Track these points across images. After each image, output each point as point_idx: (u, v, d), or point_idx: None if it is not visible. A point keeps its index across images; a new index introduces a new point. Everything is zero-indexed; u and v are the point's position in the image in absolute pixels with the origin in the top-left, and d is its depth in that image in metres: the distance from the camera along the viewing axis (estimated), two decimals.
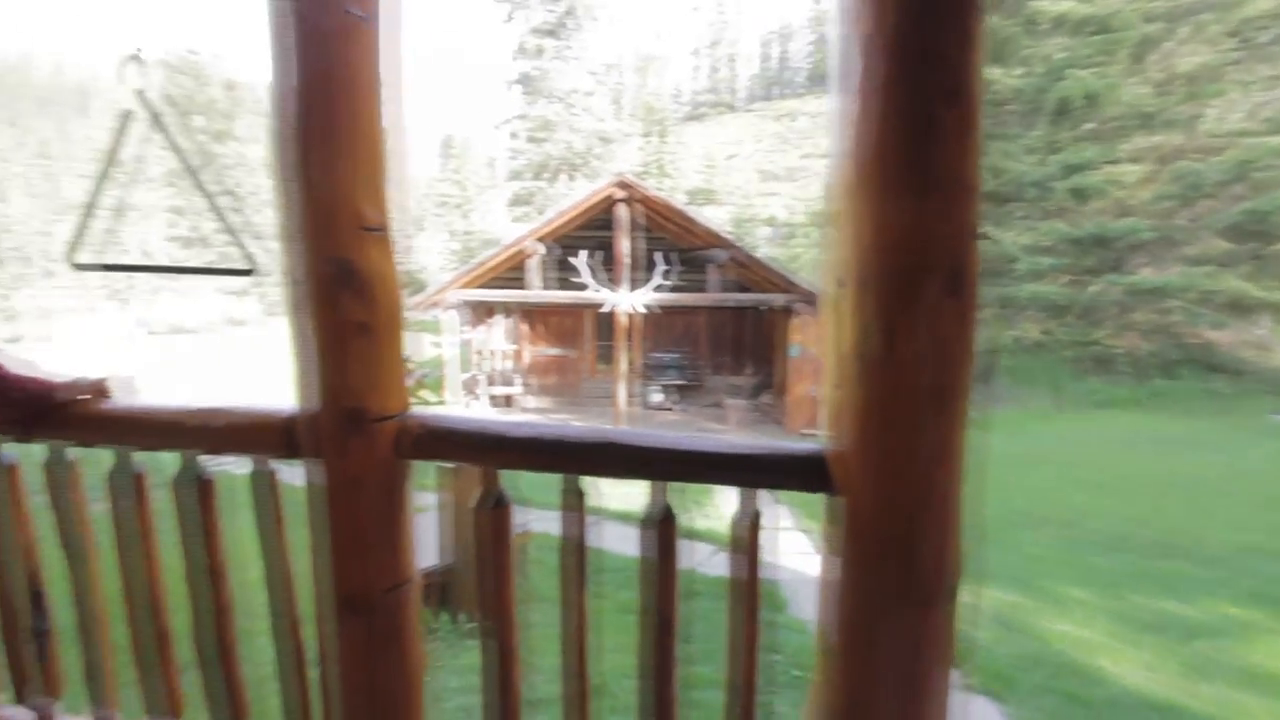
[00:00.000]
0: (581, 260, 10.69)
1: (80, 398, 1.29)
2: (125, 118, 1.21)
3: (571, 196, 15.81)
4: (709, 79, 67.03)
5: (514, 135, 32.09)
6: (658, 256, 11.09)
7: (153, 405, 1.29)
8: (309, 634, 1.40)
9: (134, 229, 35.03)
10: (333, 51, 1.03)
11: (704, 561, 5.77)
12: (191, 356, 24.73)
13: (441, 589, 3.64)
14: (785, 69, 66.47)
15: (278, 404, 1.23)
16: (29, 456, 1.46)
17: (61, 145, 43.30)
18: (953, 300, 0.89)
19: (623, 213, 11.42)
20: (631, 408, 12.33)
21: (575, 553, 1.25)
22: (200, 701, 1.48)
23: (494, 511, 1.25)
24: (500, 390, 13.97)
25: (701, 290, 12.67)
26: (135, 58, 1.17)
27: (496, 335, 14.89)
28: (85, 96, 55.29)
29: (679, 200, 13.43)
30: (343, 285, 1.09)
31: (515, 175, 33.02)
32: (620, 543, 5.85)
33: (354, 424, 1.14)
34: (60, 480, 1.40)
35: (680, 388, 14.03)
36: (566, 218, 12.51)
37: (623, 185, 11.59)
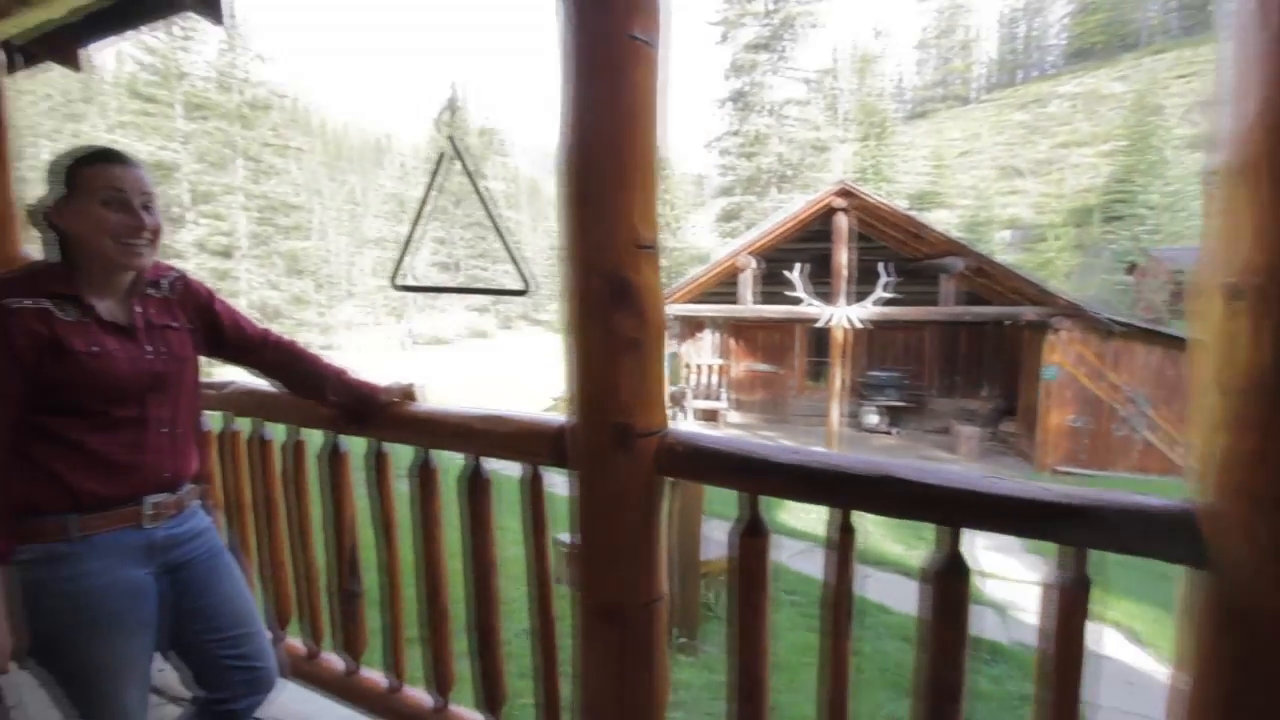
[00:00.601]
0: (796, 273, 10.36)
1: (396, 400, 1.51)
2: (440, 159, 1.39)
3: (785, 208, 15.50)
4: (936, 72, 61.47)
5: (724, 152, 32.62)
6: (880, 267, 10.29)
7: (448, 409, 1.45)
8: (558, 632, 1.47)
9: (410, 257, 42.56)
10: (619, 77, 1.06)
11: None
12: (447, 363, 29.18)
13: None
14: (1034, 49, 58.32)
15: (551, 416, 1.30)
16: (355, 447, 1.75)
17: (363, 192, 54.37)
18: None
19: (843, 222, 10.81)
20: (843, 428, 11.60)
21: (841, 598, 1.13)
22: (467, 681, 1.64)
23: (752, 540, 1.18)
24: (706, 405, 14.14)
25: (930, 303, 11.50)
26: (450, 108, 1.33)
27: (705, 350, 15.13)
28: (381, 153, 68.92)
29: (902, 206, 12.34)
30: (617, 302, 1.11)
31: (724, 191, 33.52)
32: (799, 560, 5.48)
33: (621, 439, 1.15)
34: (379, 469, 1.65)
35: (899, 409, 12.85)
36: (781, 230, 12.18)
37: (844, 193, 10.92)
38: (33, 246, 2.64)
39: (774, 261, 12.33)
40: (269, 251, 31.41)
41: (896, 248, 12.36)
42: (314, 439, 1.74)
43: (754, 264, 12.45)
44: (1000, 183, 38.33)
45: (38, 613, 1.10)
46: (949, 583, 1.05)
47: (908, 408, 12.88)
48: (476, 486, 1.46)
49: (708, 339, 15.17)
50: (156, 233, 1.18)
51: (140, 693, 1.21)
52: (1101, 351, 10.71)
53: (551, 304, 46.47)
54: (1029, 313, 10.75)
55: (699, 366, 14.75)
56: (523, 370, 23.59)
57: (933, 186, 36.75)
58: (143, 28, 2.63)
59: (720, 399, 14.26)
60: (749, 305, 12.50)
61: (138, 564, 1.17)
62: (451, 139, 1.36)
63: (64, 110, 30.78)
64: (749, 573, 1.20)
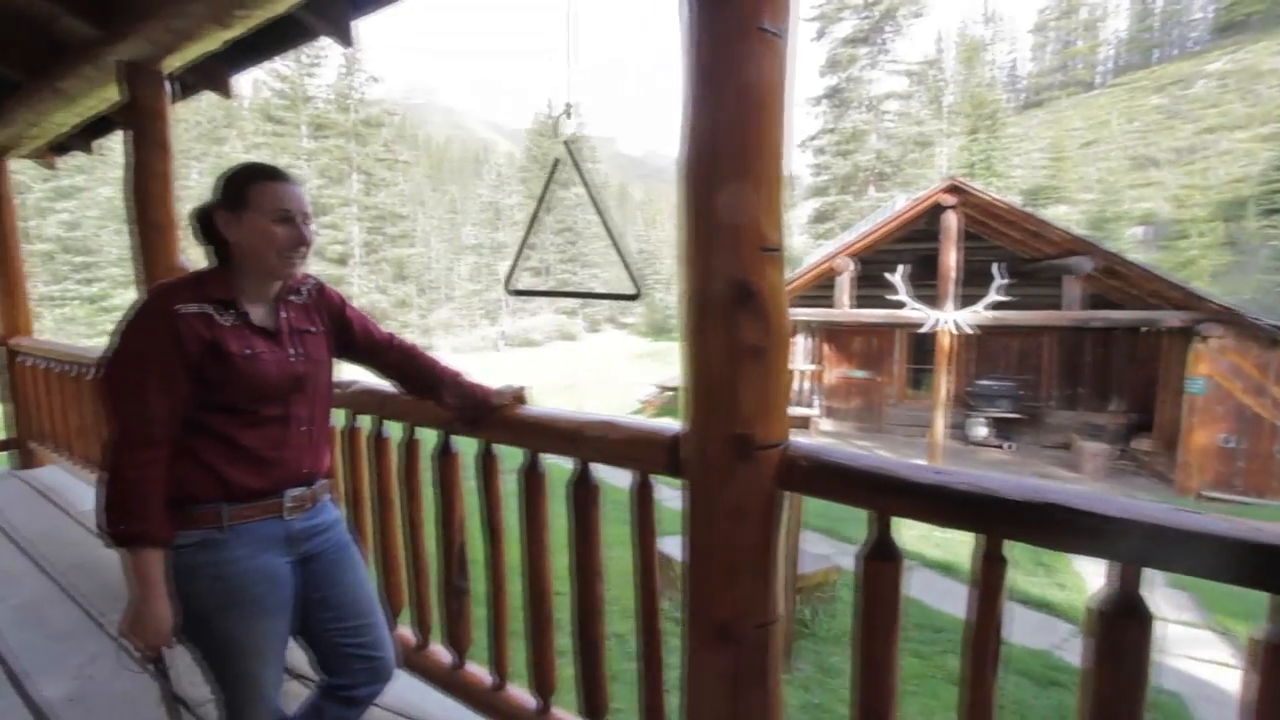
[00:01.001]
0: (898, 276, 9.80)
1: (507, 403, 1.53)
2: (554, 165, 1.39)
3: (885, 208, 14.78)
4: (1055, 56, 56.79)
5: (819, 151, 31.67)
6: (995, 268, 9.54)
7: (557, 414, 1.45)
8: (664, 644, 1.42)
9: (504, 263, 44.41)
10: (748, 70, 1.01)
11: (1061, 644, 4.68)
12: (536, 363, 30.09)
13: None
14: (1173, 25, 52.62)
15: (664, 423, 1.26)
16: (466, 447, 1.79)
17: (462, 201, 57.21)
18: None
19: (951, 221, 10.10)
20: (949, 441, 10.86)
21: (986, 639, 1.01)
22: (566, 682, 1.63)
23: (882, 564, 1.09)
24: (797, 411, 13.71)
25: (1050, 307, 10.54)
26: (567, 112, 1.33)
27: (797, 355, 14.70)
28: (479, 163, 72.36)
29: (1017, 202, 11.37)
30: (741, 307, 1.06)
31: (817, 191, 32.53)
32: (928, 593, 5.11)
33: (741, 451, 1.10)
34: (487, 470, 1.68)
35: (1011, 421, 11.88)
36: (881, 230, 11.53)
37: (953, 189, 10.12)
38: (190, 255, 2.93)
39: (872, 263, 11.74)
40: (378, 259, 33.73)
41: (1012, 247, 11.42)
42: (428, 438, 1.80)
43: (851, 266, 11.95)
44: (1132, 174, 34.76)
45: (190, 595, 1.18)
46: (1122, 627, 0.91)
47: (1021, 420, 11.89)
48: (584, 493, 1.45)
49: (800, 344, 14.72)
50: (309, 246, 1.26)
51: (275, 672, 1.29)
52: (1263, 362, 9.38)
53: (638, 308, 46.93)
54: (1171, 318, 9.57)
55: (792, 372, 14.34)
56: (609, 372, 23.91)
57: (1051, 180, 33.90)
58: (282, 54, 2.86)
59: (813, 405, 13.79)
60: (846, 309, 12.00)
61: (277, 552, 1.25)
62: (568, 144, 1.35)
63: (210, 135, 34.54)
64: (878, 598, 1.10)
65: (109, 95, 2.93)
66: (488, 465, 1.67)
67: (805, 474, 1.12)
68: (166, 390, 1.14)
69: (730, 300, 1.06)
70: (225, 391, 1.18)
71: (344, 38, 2.40)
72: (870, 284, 11.78)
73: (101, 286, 23.84)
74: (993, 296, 9.46)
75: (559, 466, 1.56)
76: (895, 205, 13.60)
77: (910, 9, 28.42)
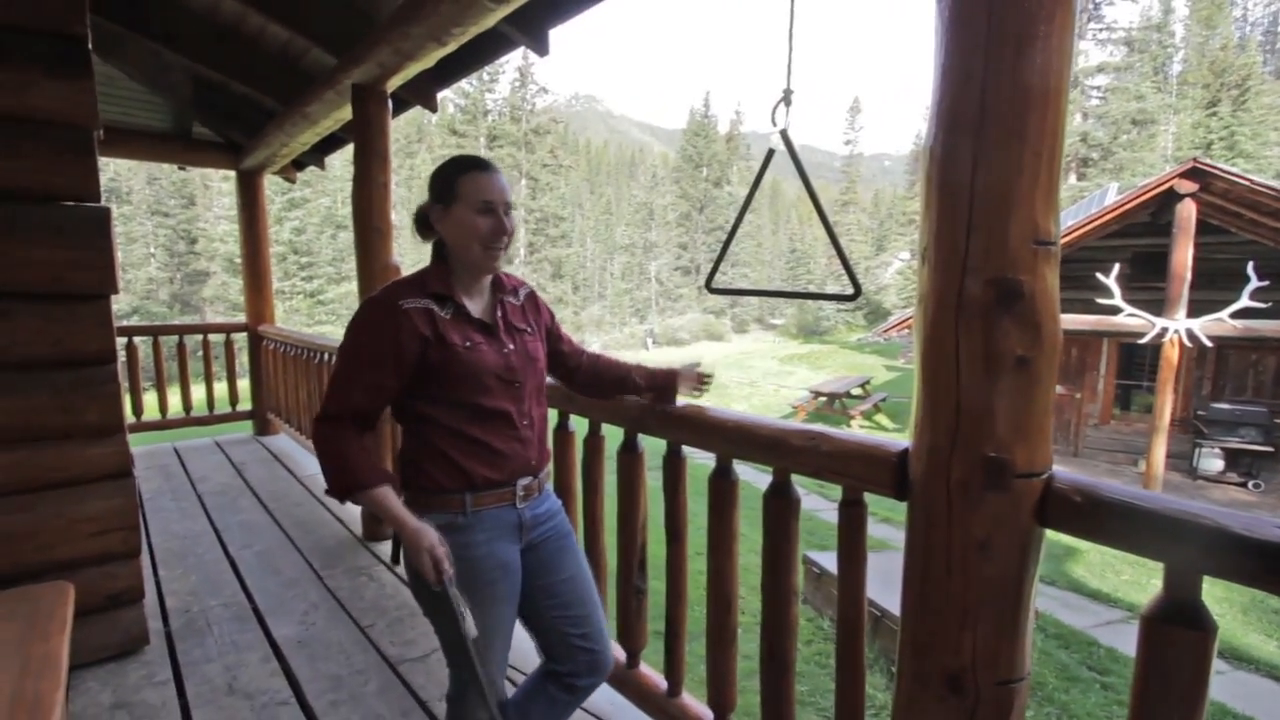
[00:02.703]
0: (1113, 276, 8.36)
1: (692, 380, 1.56)
2: (768, 156, 1.31)
3: (1092, 197, 12.83)
4: None
5: None
6: (1249, 268, 7.80)
7: (760, 420, 1.36)
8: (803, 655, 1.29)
9: (655, 262, 45.30)
10: (1031, 26, 0.85)
11: None
12: (683, 362, 30.21)
13: None
14: None
15: (888, 439, 1.13)
16: (652, 445, 1.77)
17: (616, 203, 59.23)
18: None
19: (1189, 211, 8.40)
20: (1169, 473, 9.18)
21: None
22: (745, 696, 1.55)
23: (1186, 632, 0.87)
24: None
25: None
26: (786, 99, 1.24)
27: None
28: (633, 166, 74.52)
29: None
30: (1004, 310, 0.90)
31: None
32: (1109, 633, 4.28)
33: (995, 477, 0.94)
34: (673, 471, 1.64)
35: (1258, 454, 9.74)
36: (1092, 223, 9.72)
37: (1194, 173, 8.22)
38: (403, 256, 3.26)
39: (1075, 262, 10.15)
40: (540, 258, 36.03)
41: (1274, 243, 9.34)
42: (614, 435, 1.80)
43: None
44: None
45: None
46: None
47: (1273, 454, 9.74)
48: (783, 506, 1.35)
49: None
50: (511, 237, 1.28)
51: (503, 655, 1.34)
52: None
53: (788, 308, 45.50)
54: None
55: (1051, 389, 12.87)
56: (757, 374, 23.43)
57: None
58: (482, 67, 3.07)
59: None
60: None
61: (510, 539, 1.31)
62: (785, 133, 1.25)
63: (404, 149, 39.04)
64: (1177, 677, 0.88)
65: (342, 115, 3.35)
66: (674, 466, 1.64)
67: (1076, 511, 0.93)
68: (372, 378, 1.21)
69: (990, 302, 0.90)
70: (449, 384, 1.23)
71: (541, 46, 2.51)
72: (1071, 285, 10.21)
73: (318, 283, 27.92)
74: (1245, 302, 7.74)
75: (703, 465, 1.50)
76: (1106, 195, 11.78)
77: None
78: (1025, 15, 0.85)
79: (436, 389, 1.23)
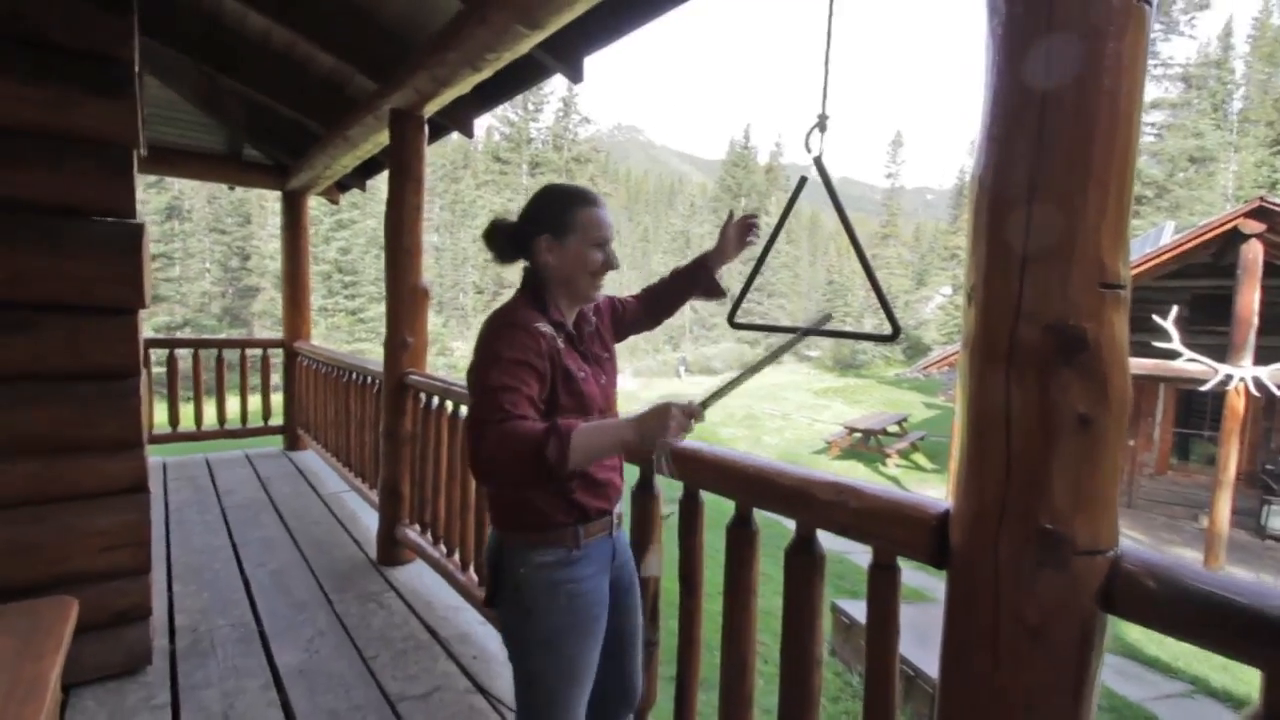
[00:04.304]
0: (1171, 319, 7.96)
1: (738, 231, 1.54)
2: (800, 184, 1.23)
3: (1148, 236, 12.33)
4: None
5: None
6: None
7: (784, 467, 1.25)
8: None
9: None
10: (1098, 42, 0.75)
11: None
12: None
13: None
14: None
15: (927, 498, 1.01)
16: (669, 491, 1.67)
17: (654, 231, 59.75)
18: None
19: (1256, 252, 8.03)
20: (1234, 531, 8.57)
21: None
22: None
23: None
24: None
25: None
26: (821, 125, 1.17)
27: None
28: (671, 195, 75.32)
29: None
30: (1064, 361, 0.79)
31: None
32: (1169, 707, 3.89)
33: (1050, 552, 0.81)
34: (689, 515, 1.53)
35: None
36: (1149, 263, 9.31)
37: (1260, 212, 7.90)
38: (431, 276, 3.26)
39: (1137, 301, 9.78)
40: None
41: None
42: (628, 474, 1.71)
43: None
44: None
45: (547, 612, 1.18)
46: None
47: None
48: (806, 565, 1.23)
49: None
50: (614, 269, 1.26)
51: (586, 692, 1.26)
52: None
53: (824, 341, 44.84)
54: None
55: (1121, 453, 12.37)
56: (790, 406, 23.01)
57: None
58: (517, 93, 3.08)
59: None
60: None
61: (606, 571, 1.27)
62: (819, 160, 1.17)
63: (450, 175, 40.25)
64: None
65: (381, 139, 3.40)
66: (691, 511, 1.53)
67: (1149, 598, 0.79)
68: (515, 386, 1.08)
69: (1050, 351, 0.79)
70: (565, 412, 1.16)
71: (575, 73, 2.49)
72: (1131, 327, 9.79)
73: (360, 301, 28.71)
74: None
75: (721, 507, 1.39)
76: (1161, 233, 11.33)
77: (1190, 2, 23.83)
78: (1091, 29, 0.75)
79: (549, 417, 1.14)
